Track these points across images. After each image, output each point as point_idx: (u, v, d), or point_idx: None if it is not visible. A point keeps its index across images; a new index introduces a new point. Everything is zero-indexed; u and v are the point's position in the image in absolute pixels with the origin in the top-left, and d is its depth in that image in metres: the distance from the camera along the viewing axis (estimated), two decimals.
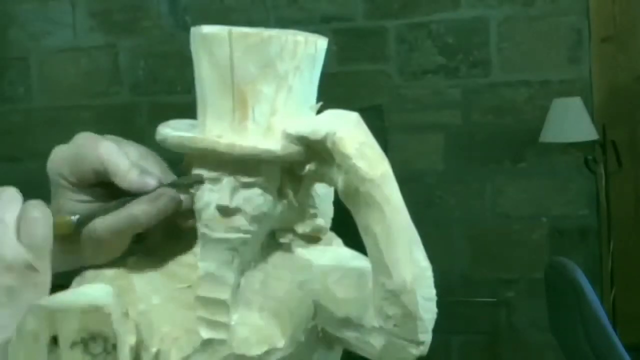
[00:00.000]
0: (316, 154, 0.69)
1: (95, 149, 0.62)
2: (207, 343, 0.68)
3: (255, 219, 0.70)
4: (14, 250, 0.57)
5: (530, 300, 3.18)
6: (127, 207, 0.63)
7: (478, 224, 3.28)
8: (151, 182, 0.63)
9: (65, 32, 3.49)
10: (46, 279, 0.58)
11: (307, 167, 0.72)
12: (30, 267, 0.57)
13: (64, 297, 0.57)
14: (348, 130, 0.66)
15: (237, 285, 0.70)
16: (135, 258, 0.69)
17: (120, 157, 0.63)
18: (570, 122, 2.99)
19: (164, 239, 0.71)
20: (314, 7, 3.33)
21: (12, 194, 0.62)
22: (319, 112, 0.73)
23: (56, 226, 0.61)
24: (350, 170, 0.65)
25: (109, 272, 0.67)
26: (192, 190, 0.68)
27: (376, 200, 0.65)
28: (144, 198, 0.64)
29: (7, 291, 0.56)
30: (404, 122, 3.29)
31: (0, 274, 0.56)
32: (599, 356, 2.15)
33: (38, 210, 0.60)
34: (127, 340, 0.59)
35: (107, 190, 0.64)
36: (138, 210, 0.63)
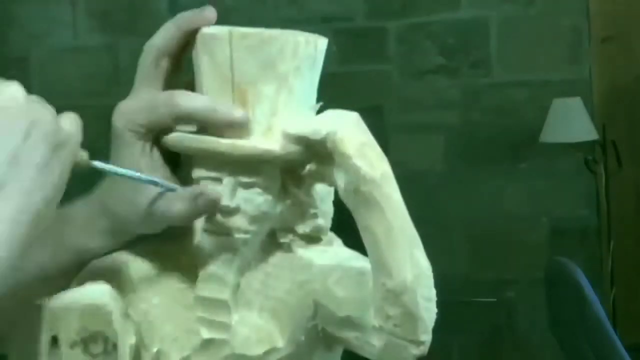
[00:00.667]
0: (316, 154, 0.69)
1: (173, 97, 0.62)
2: (207, 343, 0.68)
3: (255, 219, 0.70)
4: None
5: (530, 300, 3.18)
6: (162, 200, 0.62)
7: (478, 224, 3.28)
8: (244, 113, 0.61)
9: (65, 32, 3.49)
10: None
11: (308, 167, 0.72)
12: None
13: (64, 297, 0.57)
14: (348, 131, 0.67)
15: (237, 285, 0.70)
16: (135, 259, 0.69)
17: (201, 99, 0.62)
18: (570, 122, 2.99)
19: (162, 240, 0.71)
20: (314, 7, 3.33)
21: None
22: (319, 112, 0.73)
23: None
24: (350, 170, 0.65)
25: (110, 273, 0.67)
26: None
27: (376, 200, 0.65)
28: (182, 195, 0.63)
29: None
30: (404, 122, 3.29)
31: None
32: (599, 356, 2.15)
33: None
34: (127, 340, 0.59)
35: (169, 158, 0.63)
36: (174, 211, 0.62)
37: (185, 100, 0.62)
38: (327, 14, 3.32)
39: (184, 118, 0.62)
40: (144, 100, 0.63)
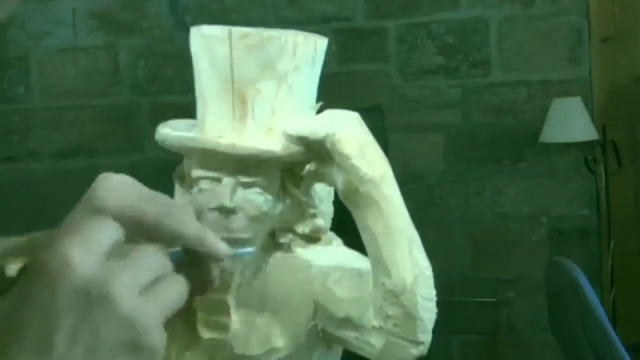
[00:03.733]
0: (316, 154, 0.69)
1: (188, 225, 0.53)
2: (207, 343, 0.68)
3: (255, 218, 0.70)
4: None
5: (530, 300, 3.18)
6: None
7: (478, 224, 3.28)
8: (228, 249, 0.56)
9: (65, 32, 3.49)
10: None
11: (307, 167, 0.72)
12: None
13: None
14: (348, 131, 0.67)
15: (237, 285, 0.70)
16: None
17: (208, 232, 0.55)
18: (570, 122, 2.99)
19: None
20: (314, 7, 3.33)
21: None
22: (319, 112, 0.73)
23: None
24: (350, 170, 0.65)
25: None
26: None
27: (376, 200, 0.65)
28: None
29: None
30: (404, 122, 3.29)
31: None
32: (599, 356, 2.15)
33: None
34: None
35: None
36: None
37: (177, 223, 0.54)
38: (327, 14, 3.32)
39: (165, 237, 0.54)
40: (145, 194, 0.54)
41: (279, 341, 0.69)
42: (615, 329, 2.26)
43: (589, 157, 3.11)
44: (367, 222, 0.66)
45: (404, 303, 0.64)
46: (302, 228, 0.74)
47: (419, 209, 3.23)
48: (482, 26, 3.23)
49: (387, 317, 0.65)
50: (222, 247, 0.54)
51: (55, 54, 3.51)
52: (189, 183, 0.74)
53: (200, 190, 0.71)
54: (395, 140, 3.22)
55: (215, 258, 0.54)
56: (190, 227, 0.53)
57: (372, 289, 0.67)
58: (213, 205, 0.70)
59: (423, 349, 0.66)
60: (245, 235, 0.71)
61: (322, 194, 0.76)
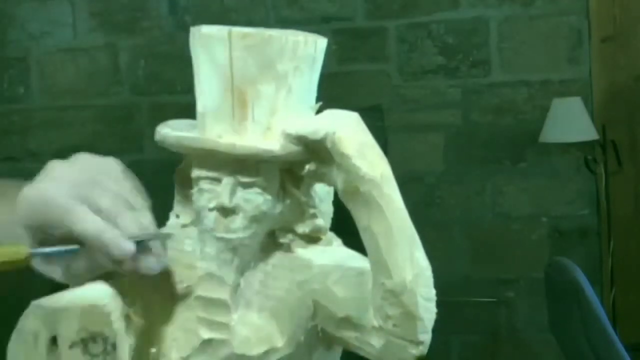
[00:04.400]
0: (316, 154, 0.69)
1: (72, 222, 0.60)
2: (207, 343, 0.68)
3: (254, 218, 0.70)
4: None
5: (530, 300, 3.18)
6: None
7: (478, 224, 3.28)
8: (130, 247, 0.62)
9: (65, 32, 3.49)
10: None
11: (307, 167, 0.72)
12: None
13: (64, 297, 0.57)
14: (348, 131, 0.67)
15: (237, 285, 0.70)
16: None
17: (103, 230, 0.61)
18: (570, 122, 2.99)
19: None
20: (314, 7, 3.33)
21: None
22: (318, 112, 0.73)
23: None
24: (350, 170, 0.65)
25: (111, 274, 0.67)
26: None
27: (376, 200, 0.65)
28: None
29: None
30: (404, 122, 3.29)
31: None
32: (598, 356, 2.15)
33: None
34: (127, 340, 0.59)
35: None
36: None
37: (79, 222, 0.61)
38: (327, 14, 3.32)
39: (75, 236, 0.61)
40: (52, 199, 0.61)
41: (279, 341, 0.69)
42: (615, 329, 2.26)
43: (589, 157, 3.11)
44: (367, 222, 0.66)
45: (404, 303, 0.64)
46: (302, 228, 0.74)
47: (419, 209, 3.23)
48: (482, 26, 3.24)
49: (387, 317, 0.65)
50: (122, 244, 0.60)
51: (55, 54, 3.51)
52: (189, 183, 0.74)
53: (200, 191, 0.71)
54: (395, 140, 3.22)
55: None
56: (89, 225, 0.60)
57: (372, 289, 0.67)
58: (212, 205, 0.70)
59: (423, 349, 0.66)
60: (245, 235, 0.71)
61: (322, 194, 0.76)
